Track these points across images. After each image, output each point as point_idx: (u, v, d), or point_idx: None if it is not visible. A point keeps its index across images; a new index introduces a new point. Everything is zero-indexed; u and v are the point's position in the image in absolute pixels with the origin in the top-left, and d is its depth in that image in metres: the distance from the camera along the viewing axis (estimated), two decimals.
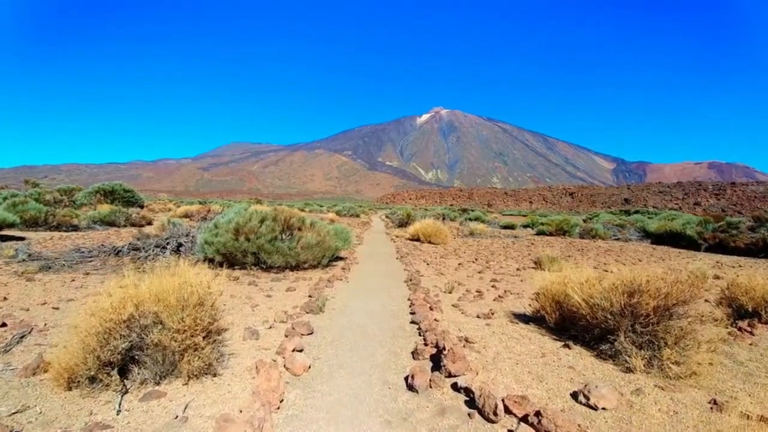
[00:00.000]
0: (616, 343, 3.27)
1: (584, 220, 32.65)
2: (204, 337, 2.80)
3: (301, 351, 3.30)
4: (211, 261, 8.37)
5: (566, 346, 3.51)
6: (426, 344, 3.41)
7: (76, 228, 16.18)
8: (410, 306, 5.14)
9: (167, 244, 9.34)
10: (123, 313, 2.68)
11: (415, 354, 3.31)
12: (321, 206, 60.02)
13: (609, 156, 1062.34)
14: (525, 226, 28.98)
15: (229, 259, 8.06)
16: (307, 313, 4.61)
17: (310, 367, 3.04)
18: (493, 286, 7.15)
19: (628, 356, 3.20)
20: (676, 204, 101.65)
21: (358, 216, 37.77)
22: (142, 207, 29.12)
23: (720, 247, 16.60)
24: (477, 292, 6.56)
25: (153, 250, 9.00)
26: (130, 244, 9.63)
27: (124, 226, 18.32)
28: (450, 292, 6.39)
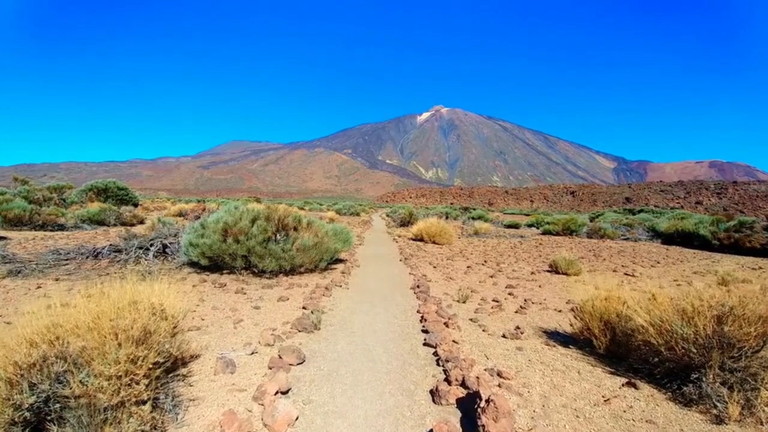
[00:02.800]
0: (703, 385, 2.48)
1: (590, 219, 31.88)
2: (148, 384, 2.01)
3: (287, 392, 2.52)
4: (196, 265, 7.60)
5: (630, 384, 2.73)
6: (449, 381, 2.63)
7: (62, 227, 15.42)
8: (421, 321, 4.36)
9: (151, 245, 8.56)
10: (32, 353, 1.90)
11: (435, 396, 2.53)
12: (321, 205, 59.22)
13: (610, 155, 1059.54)
14: (529, 226, 28.25)
15: (216, 263, 7.28)
16: (300, 331, 3.84)
17: (297, 419, 2.26)
18: (510, 294, 6.38)
19: (718, 401, 2.42)
20: (677, 203, 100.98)
21: (358, 215, 36.99)
22: (136, 205, 28.34)
23: (734, 248, 15.92)
24: (494, 301, 5.79)
25: (134, 252, 8.22)
26: (110, 245, 8.84)
27: (114, 225, 17.53)
28: (464, 302, 5.61)
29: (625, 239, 20.54)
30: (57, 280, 6.73)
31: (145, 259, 8.16)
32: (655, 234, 21.10)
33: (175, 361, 2.69)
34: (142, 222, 19.11)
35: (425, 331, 3.94)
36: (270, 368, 2.83)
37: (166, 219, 15.15)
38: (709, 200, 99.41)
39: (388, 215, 36.34)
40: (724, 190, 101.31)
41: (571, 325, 3.67)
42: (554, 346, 3.54)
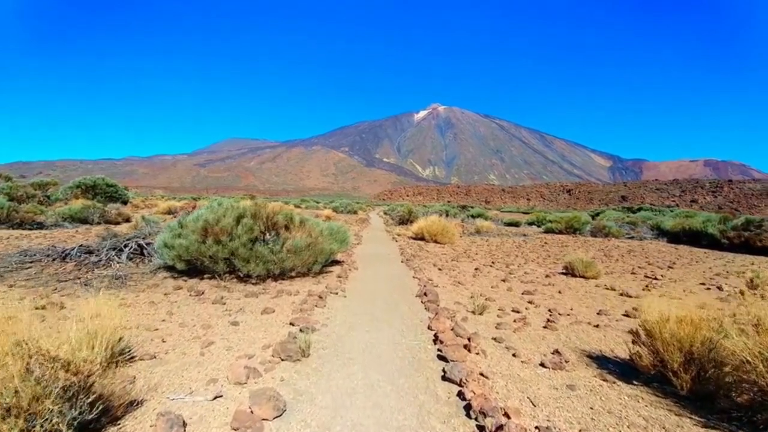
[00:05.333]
0: None
1: (592, 217, 31.25)
2: None
3: None
4: (174, 268, 6.74)
5: None
6: None
7: (41, 226, 14.46)
8: (435, 342, 3.56)
9: (125, 246, 7.68)
10: None
11: None
12: (318, 203, 58.25)
13: (605, 153, 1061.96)
14: (530, 224, 27.60)
15: (196, 266, 6.43)
16: (284, 359, 3.01)
17: None
18: (530, 302, 5.58)
19: None
20: (673, 201, 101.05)
21: (355, 213, 36.15)
22: (125, 203, 27.34)
23: (744, 247, 15.33)
24: (515, 312, 4.99)
25: (105, 254, 7.34)
26: (80, 246, 7.96)
27: (98, 223, 16.57)
28: (481, 314, 4.80)
29: (629, 238, 19.94)
30: (11, 286, 5.87)
31: (118, 262, 7.29)
32: (660, 232, 20.54)
33: (99, 418, 1.86)
34: (128, 220, 18.17)
35: (442, 358, 3.13)
36: (234, 430, 2.01)
37: (150, 217, 14.26)
38: (705, 199, 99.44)
39: (386, 213, 35.55)
40: (720, 188, 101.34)
41: (638, 355, 2.84)
42: (614, 382, 2.73)
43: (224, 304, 4.87)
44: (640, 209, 52.92)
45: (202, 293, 5.36)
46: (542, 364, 3.03)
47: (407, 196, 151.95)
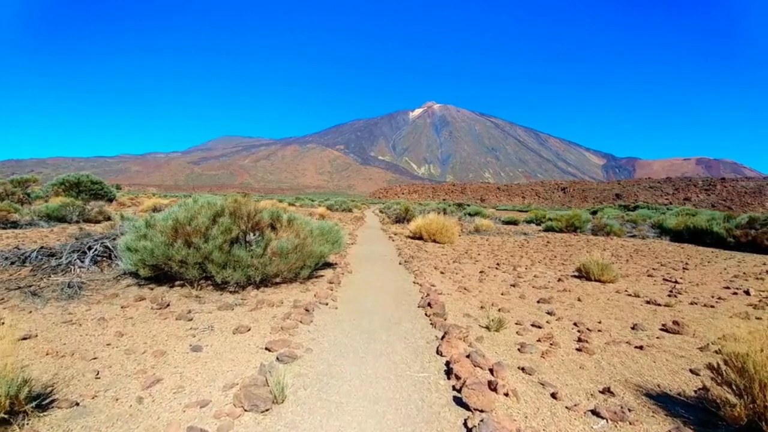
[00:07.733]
0: None
1: (591, 215, 30.74)
2: None
3: None
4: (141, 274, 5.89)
5: None
6: None
7: (15, 225, 13.50)
8: (448, 375, 2.79)
9: (89, 248, 6.82)
10: None
11: None
12: (312, 201, 57.41)
13: (599, 152, 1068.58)
14: (528, 222, 26.99)
15: (165, 272, 5.60)
16: (248, 410, 2.23)
17: None
18: (549, 314, 4.83)
19: None
20: (666, 199, 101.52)
21: (350, 211, 35.32)
22: (111, 201, 26.27)
23: (750, 246, 14.84)
24: (536, 327, 4.23)
25: (66, 258, 6.48)
26: (41, 248, 7.09)
27: (77, 222, 15.62)
28: (497, 330, 4.04)
29: (631, 236, 19.39)
30: None
31: (80, 267, 6.43)
32: (662, 231, 20.03)
33: None
34: (109, 218, 17.24)
35: (461, 403, 2.36)
36: None
37: (130, 216, 13.34)
38: (698, 197, 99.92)
39: (381, 211, 34.76)
40: (713, 186, 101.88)
41: (729, 404, 2.09)
42: None
43: (191, 320, 4.05)
44: (636, 207, 52.65)
45: (167, 306, 4.53)
46: (595, 413, 2.27)
47: (402, 194, 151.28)
